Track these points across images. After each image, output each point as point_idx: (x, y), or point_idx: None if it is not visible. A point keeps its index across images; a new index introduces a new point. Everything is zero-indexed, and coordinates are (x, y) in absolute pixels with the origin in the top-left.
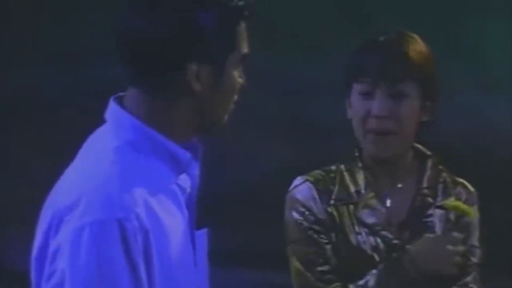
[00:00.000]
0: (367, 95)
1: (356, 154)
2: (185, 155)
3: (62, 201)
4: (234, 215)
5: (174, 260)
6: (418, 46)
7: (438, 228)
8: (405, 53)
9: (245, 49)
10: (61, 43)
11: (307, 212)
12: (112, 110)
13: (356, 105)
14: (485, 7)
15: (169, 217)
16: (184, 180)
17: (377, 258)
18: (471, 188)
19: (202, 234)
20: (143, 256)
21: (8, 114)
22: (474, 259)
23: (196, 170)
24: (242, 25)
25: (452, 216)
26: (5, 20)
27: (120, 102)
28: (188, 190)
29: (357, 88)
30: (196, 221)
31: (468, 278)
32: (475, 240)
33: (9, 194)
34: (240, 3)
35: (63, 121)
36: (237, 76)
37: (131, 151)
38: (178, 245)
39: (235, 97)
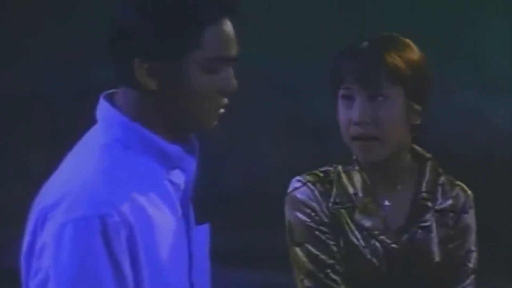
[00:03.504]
0: (348, 101)
1: (354, 157)
2: (175, 150)
3: (48, 198)
4: (234, 215)
5: (164, 256)
6: (401, 50)
7: (436, 233)
8: (383, 58)
9: (218, 52)
10: (61, 43)
11: (313, 213)
12: (101, 107)
13: (339, 112)
14: (485, 8)
15: (158, 213)
16: (178, 176)
17: (376, 262)
18: (469, 191)
19: (202, 230)
20: (128, 252)
21: (8, 114)
22: (471, 264)
23: (192, 165)
24: (215, 27)
25: (450, 221)
26: (5, 20)
27: (110, 99)
28: (183, 185)
29: (339, 94)
30: (195, 217)
31: (465, 283)
32: (472, 245)
33: (9, 194)
34: (202, 5)
35: (63, 121)
36: (210, 79)
37: (120, 148)
38: (168, 241)
39: (217, 101)
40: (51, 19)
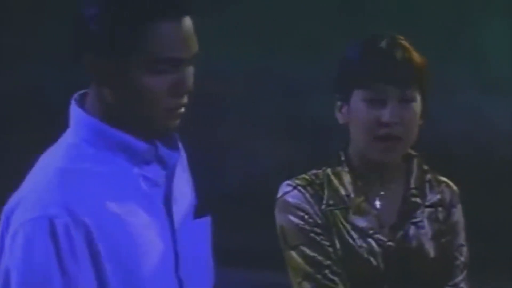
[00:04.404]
0: (374, 101)
1: (343, 158)
2: (142, 147)
3: (11, 201)
4: (234, 215)
5: (136, 254)
6: (415, 51)
7: (428, 228)
8: (410, 58)
9: (163, 53)
10: (61, 43)
11: (306, 216)
12: (71, 109)
13: (360, 112)
14: (485, 8)
15: (126, 211)
16: (154, 171)
17: (373, 261)
18: (454, 187)
19: (199, 223)
20: (86, 253)
21: (8, 114)
22: (462, 258)
23: (173, 160)
24: (161, 27)
25: (440, 216)
26: (5, 20)
27: (82, 99)
28: (162, 180)
29: (360, 94)
30: (195, 211)
31: (459, 278)
32: (462, 239)
33: (9, 194)
34: (144, 5)
35: (63, 121)
36: (157, 80)
37: (87, 148)
38: (142, 238)
39: (168, 101)
40: (51, 19)
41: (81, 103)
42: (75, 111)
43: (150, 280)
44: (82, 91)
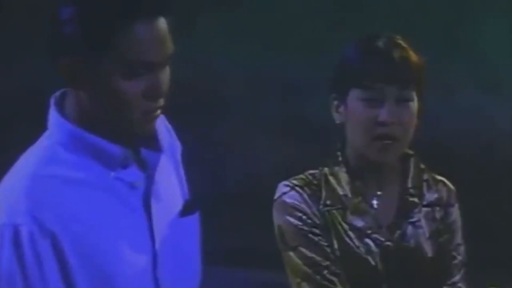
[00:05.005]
0: (372, 101)
1: (340, 158)
2: (116, 150)
3: None
4: (234, 215)
5: (108, 257)
6: (412, 50)
7: (425, 227)
8: (408, 57)
9: (134, 56)
10: None
11: (304, 216)
12: (49, 110)
13: (357, 112)
14: (485, 7)
15: (98, 215)
16: (132, 173)
17: (372, 261)
18: (451, 186)
19: (188, 221)
20: (55, 259)
21: (8, 114)
22: (460, 257)
23: (155, 160)
24: (134, 28)
25: (437, 215)
26: (5, 20)
27: (62, 99)
28: (141, 182)
29: (357, 93)
30: (183, 208)
31: (457, 277)
32: (459, 238)
33: None
34: (114, 7)
35: None
36: (131, 83)
37: (62, 152)
38: (115, 241)
39: (143, 105)
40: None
41: (60, 104)
42: (51, 113)
43: (125, 283)
44: (63, 89)
